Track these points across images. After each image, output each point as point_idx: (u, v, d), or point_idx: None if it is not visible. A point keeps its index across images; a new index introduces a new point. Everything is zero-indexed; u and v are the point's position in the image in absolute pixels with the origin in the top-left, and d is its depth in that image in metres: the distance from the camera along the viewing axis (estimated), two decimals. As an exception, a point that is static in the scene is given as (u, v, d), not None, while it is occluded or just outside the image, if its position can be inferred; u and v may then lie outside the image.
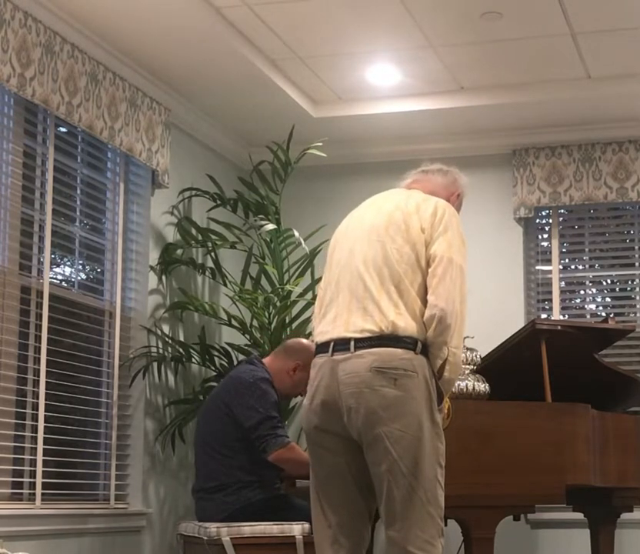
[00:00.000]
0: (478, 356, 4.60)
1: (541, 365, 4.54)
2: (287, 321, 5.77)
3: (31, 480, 4.80)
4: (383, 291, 3.36)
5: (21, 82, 4.54)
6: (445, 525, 3.50)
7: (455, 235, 3.43)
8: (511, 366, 4.78)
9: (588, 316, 6.55)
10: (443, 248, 3.38)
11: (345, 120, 6.30)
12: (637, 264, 6.54)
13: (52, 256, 5.11)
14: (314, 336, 3.55)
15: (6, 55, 4.45)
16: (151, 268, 5.74)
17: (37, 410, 4.83)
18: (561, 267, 6.56)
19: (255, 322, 5.81)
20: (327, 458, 3.45)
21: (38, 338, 4.86)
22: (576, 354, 4.80)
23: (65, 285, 5.35)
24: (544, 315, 6.48)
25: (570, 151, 6.39)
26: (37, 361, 4.85)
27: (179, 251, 5.89)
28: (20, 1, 4.55)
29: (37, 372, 4.85)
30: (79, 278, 5.47)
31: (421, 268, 3.39)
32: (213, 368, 5.80)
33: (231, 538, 4.36)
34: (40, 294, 4.90)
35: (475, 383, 4.48)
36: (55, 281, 5.18)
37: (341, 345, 3.36)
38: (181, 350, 5.76)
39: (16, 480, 4.75)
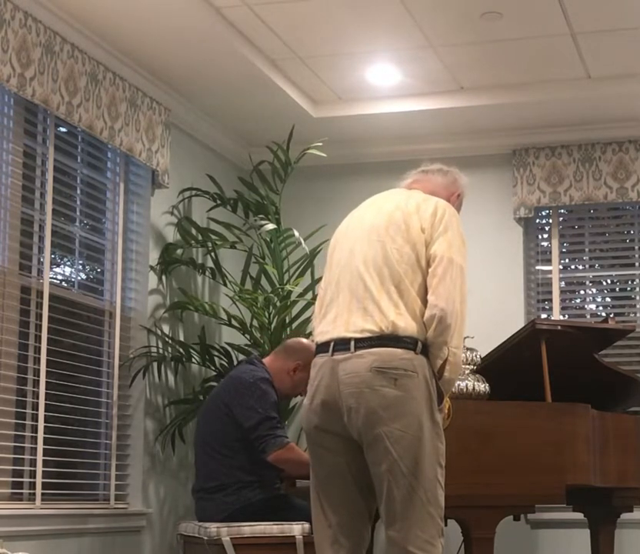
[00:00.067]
0: (478, 356, 4.60)
1: (541, 365, 4.54)
2: (287, 321, 5.77)
3: (31, 480, 4.80)
4: (383, 291, 3.36)
5: (21, 82, 4.54)
6: (445, 525, 3.51)
7: (455, 235, 3.44)
8: (511, 366, 4.78)
9: (588, 316, 6.55)
10: (443, 248, 3.39)
11: (344, 120, 6.30)
12: (637, 264, 6.54)
13: (52, 256, 5.11)
14: (314, 336, 3.55)
15: (6, 55, 4.45)
16: (151, 268, 5.74)
17: (37, 410, 4.83)
18: (561, 267, 6.56)
19: (255, 322, 5.81)
20: (327, 458, 3.45)
21: (38, 338, 4.86)
22: (576, 354, 4.80)
23: (65, 285, 5.35)
24: (544, 315, 6.48)
25: (570, 151, 6.39)
26: (37, 361, 4.85)
27: (179, 251, 5.89)
28: (20, 1, 4.55)
29: (37, 372, 4.85)
30: (79, 278, 5.47)
31: (421, 268, 3.39)
32: (213, 368, 5.80)
33: (231, 538, 4.36)
34: (40, 294, 4.90)
35: (475, 383, 4.48)
36: (55, 281, 5.18)
37: (341, 345, 3.36)
38: (181, 350, 5.76)
39: (16, 480, 4.75)
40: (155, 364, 5.65)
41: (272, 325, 5.71)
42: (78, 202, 5.36)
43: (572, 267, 6.65)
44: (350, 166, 6.69)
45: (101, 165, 5.53)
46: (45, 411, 4.87)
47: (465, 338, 3.59)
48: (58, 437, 5.03)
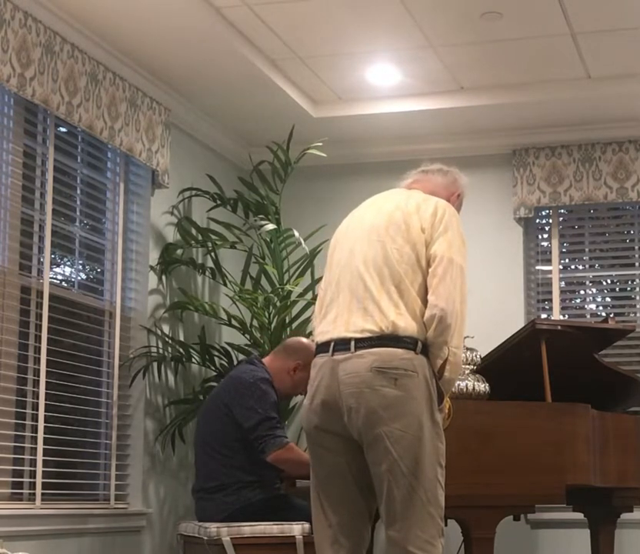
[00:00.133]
0: (478, 356, 4.60)
1: (541, 365, 4.54)
2: (287, 321, 5.77)
3: (31, 480, 4.80)
4: (383, 291, 3.36)
5: (21, 82, 4.54)
6: (445, 525, 3.50)
7: (455, 235, 3.44)
8: (511, 366, 4.78)
9: (588, 316, 6.55)
10: (443, 248, 3.39)
11: (344, 120, 6.30)
12: (637, 264, 6.54)
13: (52, 256, 5.11)
14: (314, 336, 3.55)
15: (6, 55, 4.45)
16: (151, 268, 5.74)
17: (37, 410, 4.83)
18: (561, 267, 6.56)
19: (255, 322, 5.81)
20: (327, 458, 3.46)
21: (38, 338, 4.86)
22: (576, 354, 4.80)
23: (65, 285, 5.35)
24: (544, 315, 6.48)
25: (570, 151, 6.39)
26: (37, 361, 4.85)
27: (179, 252, 5.89)
28: (20, 1, 4.55)
29: (37, 372, 4.85)
30: (79, 278, 5.47)
31: (421, 268, 3.39)
32: (213, 368, 5.80)
33: (231, 538, 4.36)
34: (40, 294, 4.90)
35: (475, 383, 4.48)
36: (55, 281, 5.18)
37: (341, 345, 3.36)
38: (181, 350, 5.76)
39: (16, 480, 4.75)
40: (155, 364, 5.65)
41: (272, 325, 5.71)
42: (78, 202, 5.36)
43: (572, 267, 6.65)
44: (350, 166, 6.69)
45: (101, 165, 5.53)
46: (45, 411, 4.87)
47: (465, 338, 3.59)
48: (58, 437, 5.03)
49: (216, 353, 5.81)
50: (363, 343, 3.32)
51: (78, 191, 5.36)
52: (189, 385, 5.99)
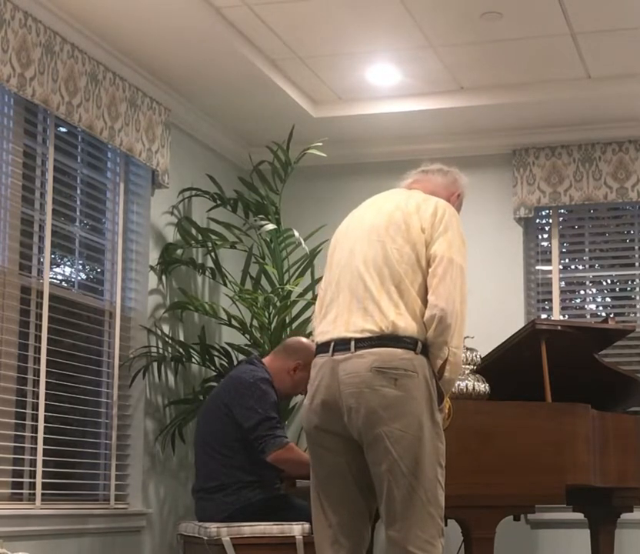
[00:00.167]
0: (478, 356, 4.60)
1: (541, 365, 4.54)
2: (287, 321, 5.77)
3: (31, 480, 4.80)
4: (383, 291, 3.36)
5: (21, 82, 4.54)
6: (445, 525, 3.50)
7: (456, 235, 3.44)
8: (511, 366, 4.78)
9: (588, 316, 6.55)
10: (443, 249, 3.39)
11: (345, 120, 6.30)
12: (637, 264, 6.54)
13: (52, 256, 5.11)
14: (314, 336, 3.55)
15: (6, 55, 4.45)
16: (151, 268, 5.74)
17: (37, 410, 4.82)
18: (561, 267, 6.56)
19: (255, 322, 5.81)
20: (327, 458, 3.46)
21: (38, 338, 4.86)
22: (576, 354, 4.80)
23: (65, 285, 5.35)
24: (544, 315, 6.48)
25: (570, 151, 6.39)
26: (37, 361, 4.85)
27: (179, 252, 5.89)
28: (20, 1, 4.55)
29: (37, 372, 4.85)
30: (79, 278, 5.47)
31: (421, 268, 3.39)
32: (213, 368, 5.80)
33: (231, 538, 4.36)
34: (40, 294, 4.90)
35: (475, 383, 4.48)
36: (55, 281, 5.18)
37: (341, 345, 3.36)
38: (181, 350, 5.76)
39: (16, 480, 4.75)
40: (155, 364, 5.65)
41: (272, 325, 5.71)
42: (78, 202, 5.36)
43: (572, 267, 6.65)
44: (350, 166, 6.69)
45: (101, 165, 5.53)
46: (45, 411, 4.87)
47: (465, 338, 3.59)
48: (58, 437, 5.03)
49: (216, 353, 5.81)
50: (363, 343, 3.32)
51: (78, 191, 5.36)
52: (189, 385, 5.99)
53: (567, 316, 6.51)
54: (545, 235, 6.63)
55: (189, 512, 5.68)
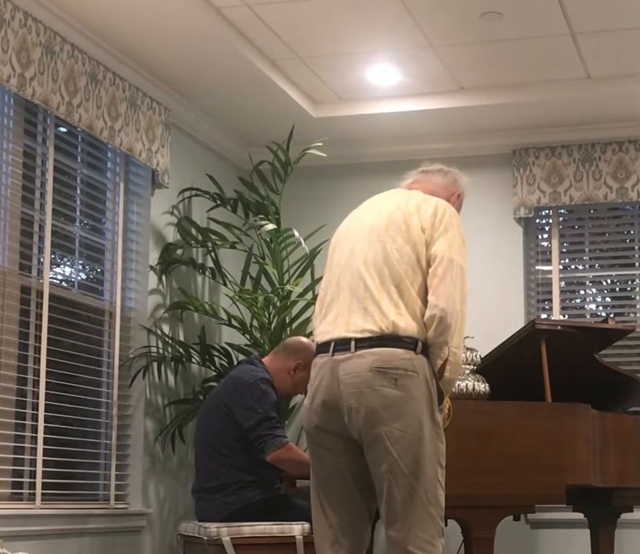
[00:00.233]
0: (478, 356, 4.60)
1: (541, 365, 4.54)
2: (287, 321, 5.77)
3: (31, 480, 4.80)
4: (383, 291, 3.36)
5: (21, 82, 4.54)
6: (445, 525, 3.50)
7: (456, 235, 3.44)
8: (511, 366, 4.78)
9: (588, 316, 6.55)
10: (443, 249, 3.39)
11: (345, 120, 6.30)
12: (637, 264, 6.54)
13: (52, 256, 5.11)
14: (314, 336, 3.55)
15: (6, 55, 4.45)
16: (151, 268, 5.74)
17: (37, 410, 4.82)
18: (561, 267, 6.56)
19: (255, 322, 5.81)
20: (327, 458, 3.46)
21: (38, 338, 4.86)
22: (576, 354, 4.80)
23: (65, 285, 5.35)
24: (544, 315, 6.48)
25: (570, 151, 6.39)
26: (37, 361, 4.85)
27: (179, 252, 5.89)
28: (20, 1, 4.55)
29: (37, 372, 4.85)
30: (79, 278, 5.47)
31: (421, 268, 3.39)
32: (213, 368, 5.80)
33: (231, 538, 4.37)
34: (40, 294, 4.90)
35: (475, 383, 4.48)
36: (55, 281, 5.18)
37: (341, 345, 3.36)
38: (181, 350, 5.76)
39: (16, 480, 4.75)
40: (155, 364, 5.65)
41: (272, 325, 5.71)
42: (78, 202, 5.36)
43: (572, 267, 6.65)
44: (350, 166, 6.69)
45: (101, 165, 5.53)
46: (45, 411, 4.87)
47: (465, 338, 3.59)
48: (58, 437, 5.03)
49: (216, 353, 5.81)
50: (363, 343, 3.32)
51: (78, 191, 5.36)
52: (189, 385, 5.99)
53: (567, 316, 6.51)
54: (545, 235, 6.63)
55: (189, 512, 5.68)
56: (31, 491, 4.79)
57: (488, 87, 6.00)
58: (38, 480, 4.80)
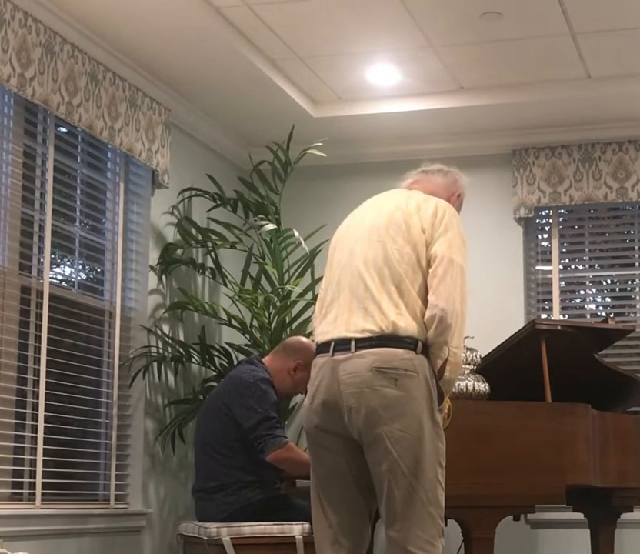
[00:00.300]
0: (478, 356, 4.60)
1: (541, 365, 4.54)
2: (287, 321, 5.77)
3: (31, 480, 4.80)
4: (384, 291, 3.36)
5: (21, 82, 4.54)
6: (445, 525, 3.50)
7: (456, 235, 3.44)
8: (511, 366, 4.78)
9: (588, 316, 6.55)
10: (444, 249, 3.39)
11: (345, 120, 6.30)
12: (637, 264, 6.54)
13: (52, 256, 5.11)
14: (315, 336, 3.55)
15: (6, 55, 4.45)
16: (151, 268, 5.74)
17: (37, 410, 4.82)
18: (561, 267, 6.56)
19: (255, 322, 5.81)
20: (327, 458, 3.46)
21: (38, 338, 4.86)
22: (576, 354, 4.80)
23: (65, 285, 5.35)
24: (544, 315, 6.48)
25: (570, 151, 6.39)
26: (37, 361, 4.85)
27: (179, 252, 5.89)
28: (20, 1, 4.55)
29: (37, 372, 4.85)
30: (79, 278, 5.47)
31: (421, 268, 3.39)
32: (213, 368, 5.80)
33: (231, 538, 4.37)
34: (40, 294, 4.90)
35: (475, 383, 4.48)
36: (55, 281, 5.18)
37: (341, 345, 3.36)
38: (181, 350, 5.76)
39: (16, 480, 4.75)
40: (155, 364, 5.65)
41: (272, 325, 5.71)
42: (78, 202, 5.36)
43: (572, 267, 6.65)
44: (350, 166, 6.69)
45: (101, 165, 5.53)
46: (45, 411, 4.87)
47: (465, 338, 3.59)
48: (58, 437, 5.03)
49: (216, 353, 5.81)
50: (363, 343, 3.32)
51: (78, 191, 5.36)
52: (189, 385, 5.99)
53: (567, 316, 6.51)
54: (545, 235, 6.63)
55: (189, 512, 5.68)
56: (31, 491, 4.79)
57: (488, 87, 6.00)
58: (38, 480, 4.80)
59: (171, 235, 5.95)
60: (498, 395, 4.55)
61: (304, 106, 6.11)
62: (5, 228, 4.70)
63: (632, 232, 6.56)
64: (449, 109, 6.14)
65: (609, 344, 5.23)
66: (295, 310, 5.83)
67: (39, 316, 4.89)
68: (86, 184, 5.38)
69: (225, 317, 5.78)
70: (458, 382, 4.36)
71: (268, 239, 5.87)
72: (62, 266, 5.44)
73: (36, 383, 4.84)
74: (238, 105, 6.09)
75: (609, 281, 6.72)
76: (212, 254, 5.92)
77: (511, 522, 4.62)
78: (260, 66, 5.54)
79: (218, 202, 6.05)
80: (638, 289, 6.51)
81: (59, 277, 5.36)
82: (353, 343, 3.34)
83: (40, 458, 4.81)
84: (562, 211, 6.59)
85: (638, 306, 6.50)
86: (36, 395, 4.83)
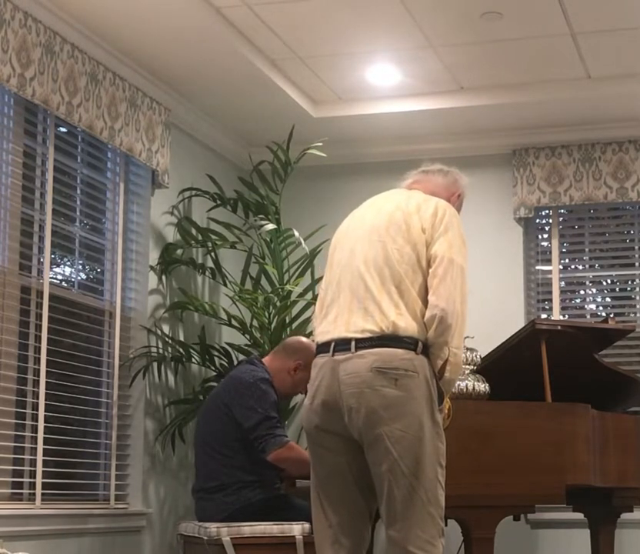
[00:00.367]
0: (478, 356, 4.60)
1: (541, 365, 4.54)
2: (287, 321, 5.77)
3: (31, 480, 4.80)
4: (384, 291, 3.36)
5: (21, 82, 4.54)
6: (445, 525, 3.50)
7: (456, 235, 3.44)
8: (511, 366, 4.78)
9: (588, 316, 6.55)
10: (444, 249, 3.39)
11: (345, 120, 6.30)
12: (637, 264, 6.54)
13: (52, 256, 5.11)
14: (315, 336, 3.55)
15: (6, 55, 4.45)
16: (151, 268, 5.74)
17: (37, 410, 4.82)
18: (561, 267, 6.56)
19: (255, 322, 5.81)
20: (327, 458, 3.46)
21: (38, 338, 4.86)
22: (576, 354, 4.80)
23: (65, 285, 5.35)
24: (544, 315, 6.48)
25: (570, 151, 6.39)
26: (37, 361, 4.85)
27: (179, 252, 5.89)
28: (20, 1, 4.55)
29: (37, 372, 4.85)
30: (79, 278, 5.47)
31: (421, 268, 3.39)
32: (213, 368, 5.80)
33: (231, 538, 4.36)
34: (40, 294, 4.90)
35: (475, 383, 4.48)
36: (55, 281, 5.18)
37: (342, 345, 3.36)
38: (181, 350, 5.76)
39: (16, 480, 4.75)
40: (155, 364, 5.65)
41: (272, 325, 5.71)
42: (78, 202, 5.36)
43: (572, 267, 6.65)
44: (350, 166, 6.69)
45: (101, 165, 5.53)
46: (45, 411, 4.87)
47: (465, 338, 3.59)
48: (58, 437, 5.03)
49: (216, 353, 5.81)
50: (364, 343, 3.32)
51: (78, 191, 5.36)
52: (189, 385, 5.99)
53: (567, 316, 6.52)
54: (545, 235, 6.63)
55: (189, 512, 5.68)
56: (31, 491, 4.79)
57: (488, 87, 6.00)
58: (38, 480, 4.80)
59: (171, 235, 5.95)
60: (498, 395, 4.55)
61: (304, 106, 6.11)
62: (5, 228, 4.70)
63: (632, 232, 6.56)
64: (449, 109, 6.14)
65: (609, 344, 5.23)
66: (295, 310, 5.83)
67: (39, 316, 4.89)
68: (86, 184, 5.38)
69: (225, 317, 5.78)
70: (458, 382, 4.36)
71: (268, 239, 5.87)
72: (62, 266, 5.44)
73: (36, 383, 4.84)
74: (238, 105, 6.09)
75: (609, 281, 6.72)
76: (212, 254, 5.92)
77: (511, 522, 4.62)
78: (260, 66, 5.54)
79: (218, 202, 6.05)
80: (638, 289, 6.51)
81: (59, 277, 5.36)
82: (353, 343, 3.34)
83: (40, 458, 4.81)
84: (562, 211, 6.59)
85: (638, 306, 6.50)
86: (36, 395, 4.83)
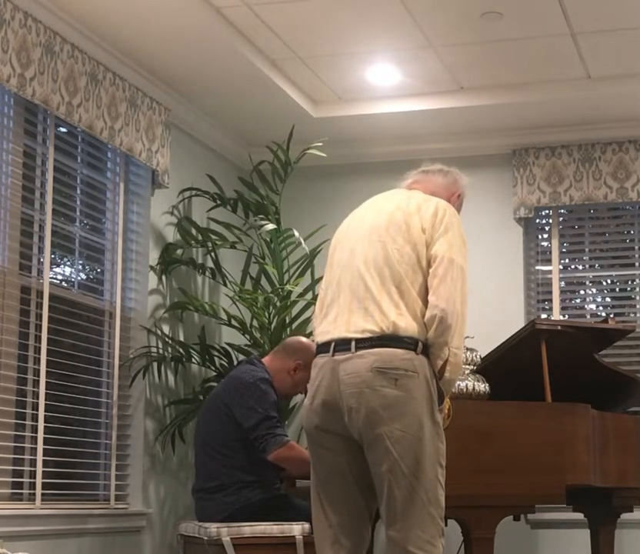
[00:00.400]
0: (478, 356, 4.60)
1: (541, 365, 4.54)
2: (287, 321, 5.77)
3: (31, 480, 4.80)
4: (384, 291, 3.36)
5: (21, 82, 4.54)
6: (445, 525, 3.50)
7: (456, 235, 3.44)
8: (511, 366, 4.78)
9: (588, 316, 6.55)
10: (444, 249, 3.39)
11: (345, 120, 6.30)
12: (637, 264, 6.54)
13: (52, 256, 5.11)
14: (315, 336, 3.55)
15: (6, 55, 4.45)
16: (151, 268, 5.74)
17: (37, 410, 4.82)
18: (561, 267, 6.56)
19: (254, 322, 5.81)
20: (328, 458, 3.46)
21: (38, 338, 4.86)
22: (576, 354, 4.80)
23: (65, 285, 5.35)
24: (544, 315, 6.48)
25: (570, 151, 6.39)
26: (37, 361, 4.85)
27: (179, 252, 5.89)
28: (20, 1, 4.55)
29: (37, 372, 4.85)
30: (79, 278, 5.47)
31: (421, 268, 3.39)
32: (213, 368, 5.80)
33: (231, 538, 4.36)
34: (40, 294, 4.90)
35: (475, 383, 4.48)
36: (55, 281, 5.18)
37: (342, 345, 3.36)
38: (181, 350, 5.76)
39: (16, 480, 4.75)
40: (155, 364, 5.65)
41: (272, 325, 5.71)
42: (78, 202, 5.36)
43: (572, 267, 6.65)
44: (350, 166, 6.69)
45: (101, 165, 5.53)
46: (45, 411, 4.87)
47: (465, 338, 3.59)
48: (58, 437, 5.03)
49: (216, 353, 5.81)
50: (364, 343, 3.32)
51: (78, 191, 5.36)
52: (189, 385, 5.99)
53: (567, 316, 6.52)
54: (545, 235, 6.63)
55: (189, 512, 5.68)
56: (31, 491, 4.79)
57: (488, 87, 6.00)
58: (38, 480, 4.80)
59: (171, 235, 5.95)
60: (498, 395, 4.55)
61: (304, 106, 6.11)
62: (5, 228, 4.70)
63: (632, 232, 6.56)
64: (449, 109, 6.14)
65: (609, 344, 5.23)
66: (295, 310, 5.83)
67: (39, 316, 4.89)
68: (86, 184, 5.38)
69: (225, 317, 5.78)
70: (458, 382, 4.36)
71: (268, 239, 5.87)
72: (62, 266, 5.44)
73: (36, 383, 4.84)
74: (238, 105, 6.09)
75: (609, 281, 6.72)
76: (212, 254, 5.92)
77: (511, 522, 4.62)
78: (260, 66, 5.54)
79: (218, 202, 6.05)
80: (638, 289, 6.51)
81: (59, 277, 5.36)
82: (353, 343, 3.34)
83: (40, 458, 4.81)
84: (562, 211, 6.59)
85: (638, 306, 6.50)
86: (36, 395, 4.83)
